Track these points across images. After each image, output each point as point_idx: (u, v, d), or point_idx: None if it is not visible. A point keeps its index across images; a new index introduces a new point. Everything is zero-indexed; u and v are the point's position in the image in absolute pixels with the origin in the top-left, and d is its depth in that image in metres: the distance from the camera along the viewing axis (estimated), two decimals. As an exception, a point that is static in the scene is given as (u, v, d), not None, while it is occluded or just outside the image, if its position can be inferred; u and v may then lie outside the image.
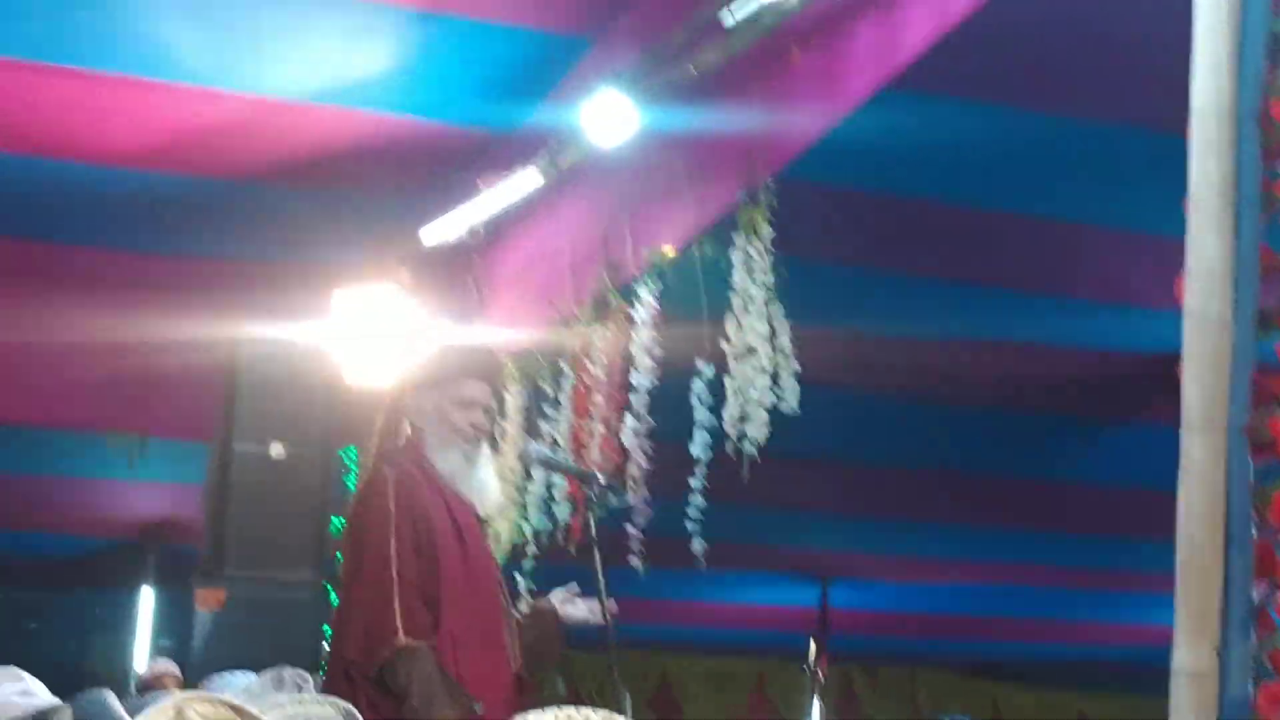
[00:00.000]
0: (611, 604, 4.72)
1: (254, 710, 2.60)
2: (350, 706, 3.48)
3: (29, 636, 12.18)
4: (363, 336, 7.02)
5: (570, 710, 2.48)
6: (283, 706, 3.25)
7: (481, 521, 5.04)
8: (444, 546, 4.79)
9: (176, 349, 7.39)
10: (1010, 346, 7.34)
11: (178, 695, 2.67)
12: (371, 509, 4.82)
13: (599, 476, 5.21)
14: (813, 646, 12.40)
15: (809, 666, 12.53)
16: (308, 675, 3.86)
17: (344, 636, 4.74)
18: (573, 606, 5.05)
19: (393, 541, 4.72)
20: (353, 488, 6.97)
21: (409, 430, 5.12)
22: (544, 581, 5.85)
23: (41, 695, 3.70)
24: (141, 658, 10.33)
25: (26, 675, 3.76)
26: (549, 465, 5.11)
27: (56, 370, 7.69)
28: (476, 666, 4.71)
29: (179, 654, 8.41)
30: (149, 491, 9.84)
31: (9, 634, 12.72)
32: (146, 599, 11.08)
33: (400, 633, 4.60)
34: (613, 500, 5.38)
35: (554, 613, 5.04)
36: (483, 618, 4.83)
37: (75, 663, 11.44)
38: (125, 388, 7.90)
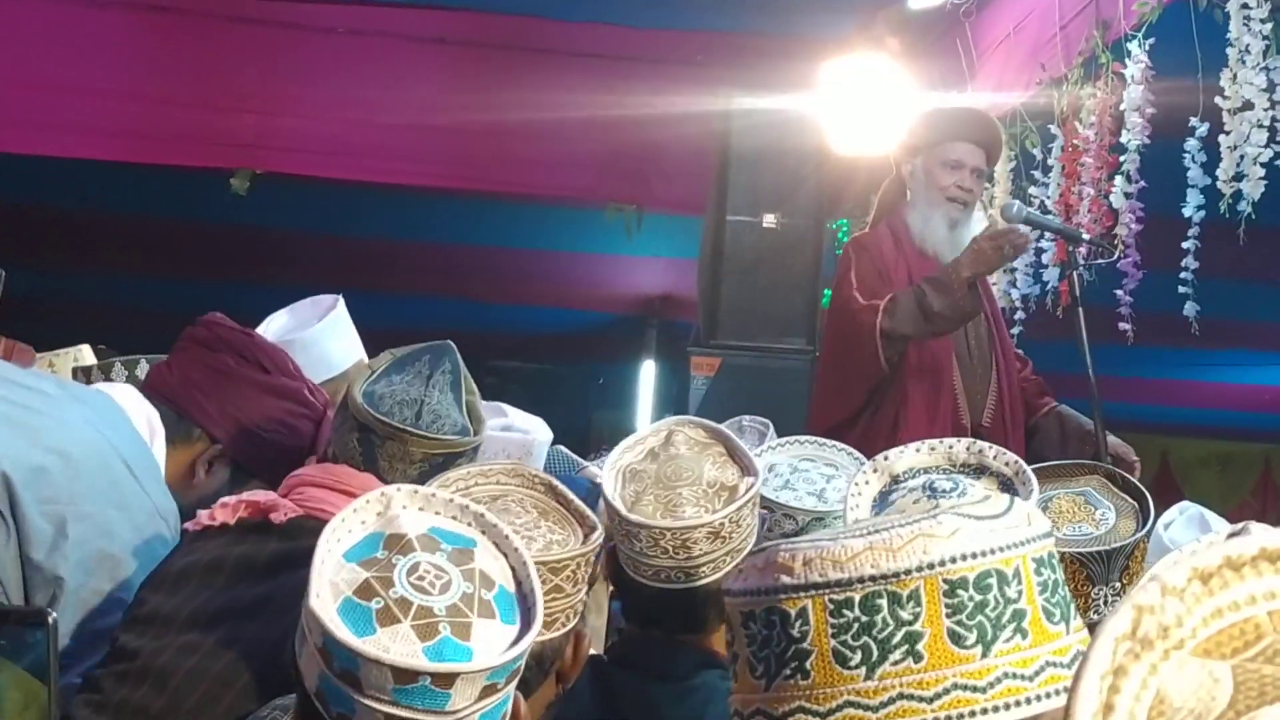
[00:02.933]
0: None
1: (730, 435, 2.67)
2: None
3: (542, 406, 12.77)
4: (853, 107, 7.01)
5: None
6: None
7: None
8: None
9: (669, 121, 7.54)
10: None
11: (669, 420, 2.76)
12: (841, 263, 5.04)
13: (1085, 235, 5.15)
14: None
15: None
16: (768, 422, 3.92)
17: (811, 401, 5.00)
18: None
19: (852, 274, 5.01)
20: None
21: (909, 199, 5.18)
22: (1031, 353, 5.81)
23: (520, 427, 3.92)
24: (644, 424, 10.72)
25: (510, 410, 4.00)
26: (1032, 223, 5.05)
27: (554, 142, 7.95)
28: (920, 412, 4.87)
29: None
30: (647, 266, 10.14)
31: (524, 405, 13.28)
32: (648, 371, 11.51)
33: (882, 319, 4.88)
34: (1101, 258, 5.31)
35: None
36: (931, 370, 4.93)
37: (583, 429, 11.96)
38: (621, 160, 8.11)
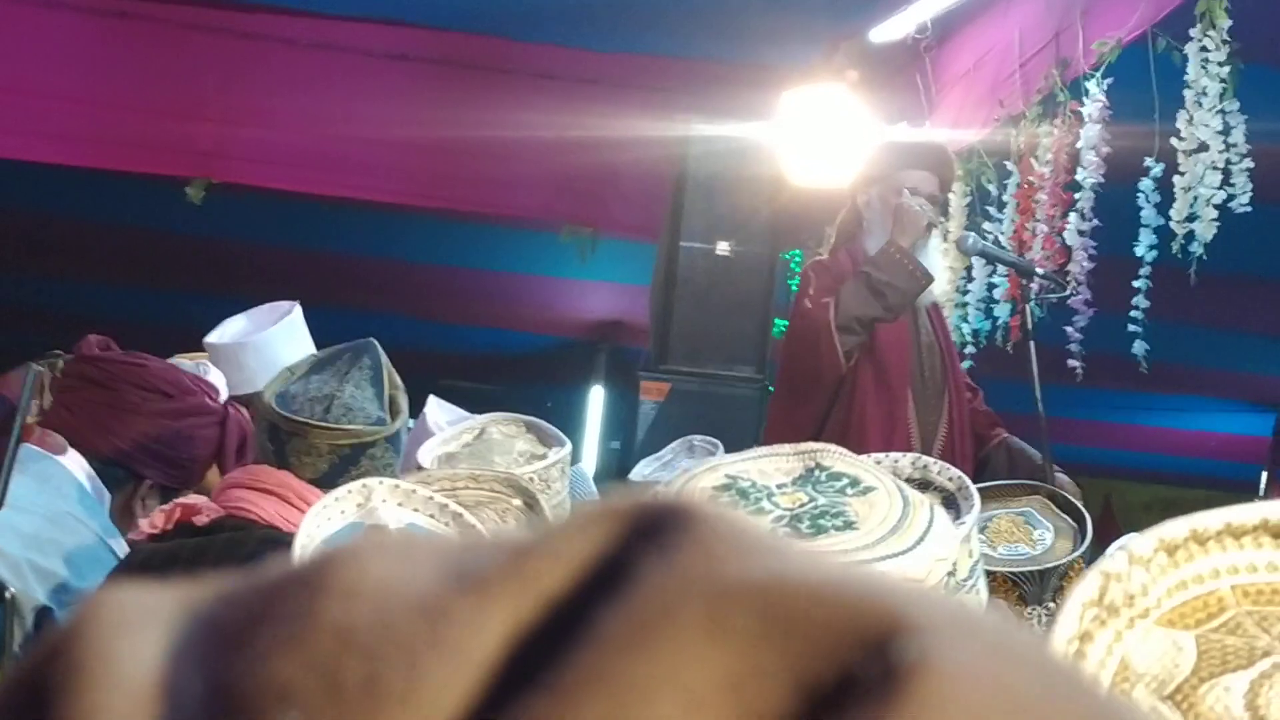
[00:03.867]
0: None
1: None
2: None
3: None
4: (810, 137, 7.05)
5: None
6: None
7: (916, 311, 5.11)
8: None
9: (627, 145, 7.57)
10: None
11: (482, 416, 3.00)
12: (800, 284, 5.05)
13: (1038, 270, 5.20)
14: (1264, 478, 12.02)
15: (1260, 499, 12.18)
16: (717, 442, 3.94)
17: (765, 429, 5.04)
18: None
19: (810, 290, 5.08)
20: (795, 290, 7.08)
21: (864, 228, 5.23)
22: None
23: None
24: (591, 449, 10.73)
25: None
26: (988, 256, 5.10)
27: (512, 162, 7.96)
28: (877, 440, 4.87)
29: (623, 445, 8.71)
30: (600, 291, 10.16)
31: (470, 426, 13.32)
32: (596, 396, 11.51)
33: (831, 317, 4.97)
34: (1053, 294, 5.36)
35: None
36: (888, 398, 4.96)
37: (529, 453, 11.96)
38: (578, 182, 8.13)
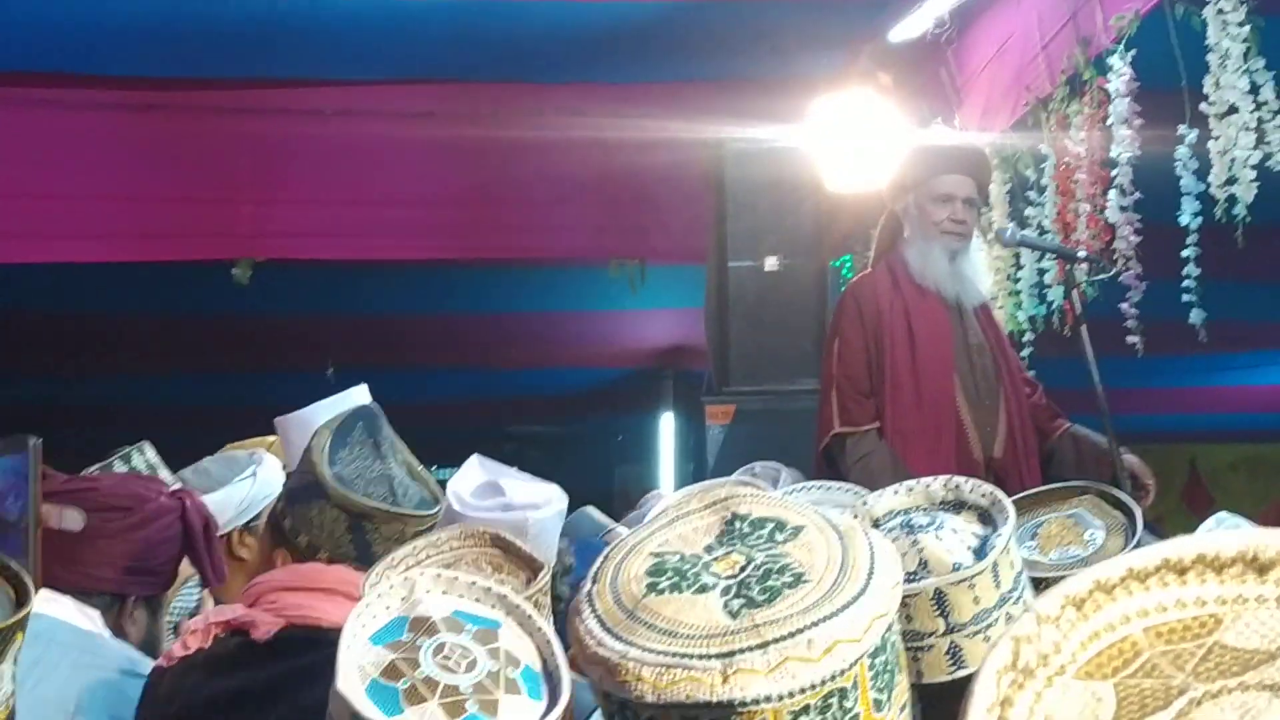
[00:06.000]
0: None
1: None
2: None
3: (563, 466, 12.81)
4: (844, 143, 7.03)
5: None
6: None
7: (962, 313, 5.08)
8: (892, 344, 5.02)
9: (662, 173, 7.58)
10: None
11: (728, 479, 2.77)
12: (835, 314, 5.24)
13: (1082, 253, 5.17)
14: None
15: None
16: (780, 466, 3.92)
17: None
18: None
19: (836, 342, 5.12)
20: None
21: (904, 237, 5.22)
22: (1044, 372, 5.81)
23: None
24: (667, 477, 10.74)
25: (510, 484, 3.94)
26: (1026, 245, 5.07)
27: (550, 206, 7.97)
28: (921, 451, 4.87)
29: (696, 470, 8.70)
30: (656, 319, 10.17)
31: (544, 467, 13.33)
32: (667, 423, 11.52)
33: (835, 422, 5.01)
34: (1102, 274, 5.32)
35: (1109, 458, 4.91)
36: (932, 408, 4.93)
37: (606, 487, 11.97)
38: (618, 216, 8.13)
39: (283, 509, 3.03)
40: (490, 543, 2.38)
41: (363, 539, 2.78)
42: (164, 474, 3.82)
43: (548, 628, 1.82)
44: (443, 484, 3.19)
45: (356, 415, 3.02)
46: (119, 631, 3.01)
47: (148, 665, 2.72)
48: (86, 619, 2.90)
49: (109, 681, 2.71)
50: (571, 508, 3.92)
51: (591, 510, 4.09)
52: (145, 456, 4.27)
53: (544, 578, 2.32)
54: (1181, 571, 0.94)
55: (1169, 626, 0.93)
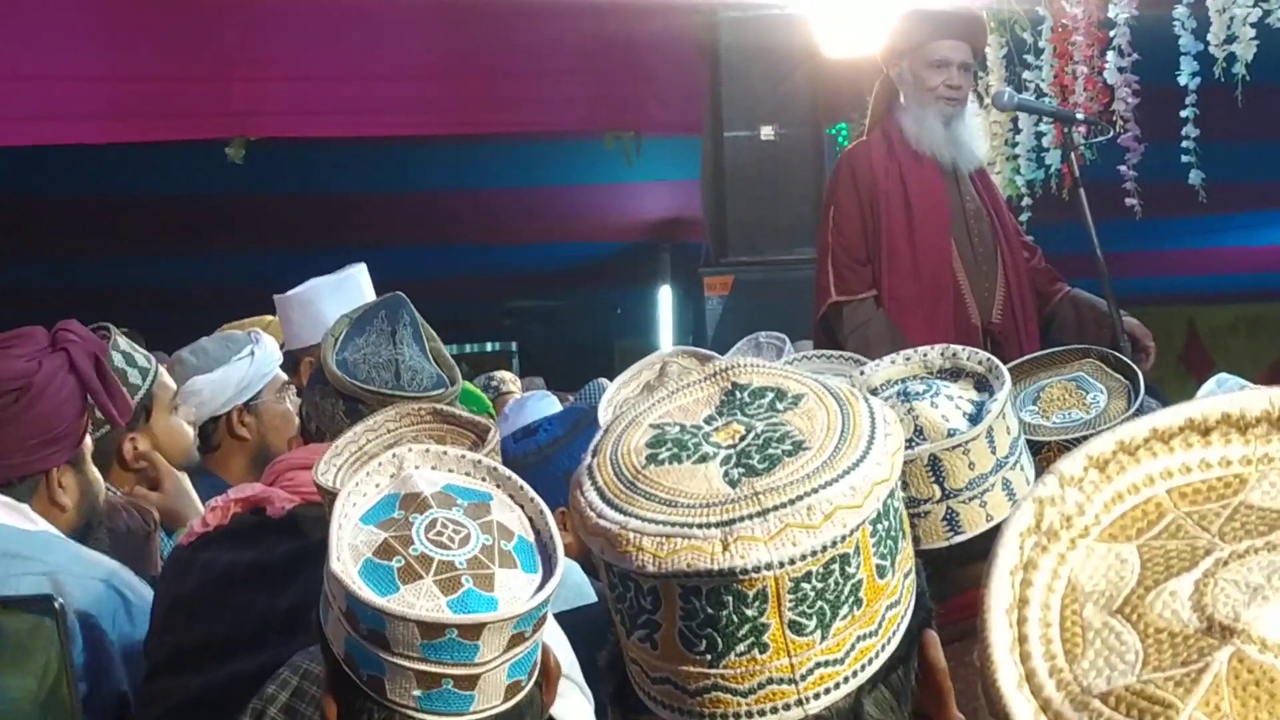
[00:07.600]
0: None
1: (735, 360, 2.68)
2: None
3: (563, 340, 12.83)
4: (839, 8, 6.95)
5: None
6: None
7: (959, 179, 5.05)
8: (888, 211, 4.98)
9: (657, 43, 7.50)
10: None
11: (661, 351, 2.77)
12: (829, 182, 5.16)
13: (1079, 115, 5.13)
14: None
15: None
16: (784, 337, 3.90)
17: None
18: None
19: (832, 210, 5.07)
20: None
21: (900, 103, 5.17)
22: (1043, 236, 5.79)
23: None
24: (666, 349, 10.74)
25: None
26: (1024, 108, 5.03)
27: (545, 78, 7.91)
28: (918, 318, 4.87)
29: (696, 341, 8.71)
30: (652, 191, 10.12)
31: (544, 341, 13.46)
32: (665, 296, 11.51)
33: (832, 291, 4.97)
34: (1100, 136, 5.28)
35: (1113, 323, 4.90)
36: (930, 273, 4.93)
37: (607, 360, 12.01)
38: (613, 87, 8.07)
39: (304, 396, 3.06)
40: (431, 417, 2.37)
41: (358, 419, 2.72)
42: (139, 358, 3.74)
43: (539, 499, 1.82)
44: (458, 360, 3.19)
45: (381, 304, 3.03)
46: (54, 509, 2.94)
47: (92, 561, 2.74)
48: (22, 517, 2.84)
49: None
50: (575, 383, 3.93)
51: (605, 382, 4.11)
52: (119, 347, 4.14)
53: (494, 439, 2.31)
54: (1206, 431, 0.93)
55: (1193, 487, 0.92)
